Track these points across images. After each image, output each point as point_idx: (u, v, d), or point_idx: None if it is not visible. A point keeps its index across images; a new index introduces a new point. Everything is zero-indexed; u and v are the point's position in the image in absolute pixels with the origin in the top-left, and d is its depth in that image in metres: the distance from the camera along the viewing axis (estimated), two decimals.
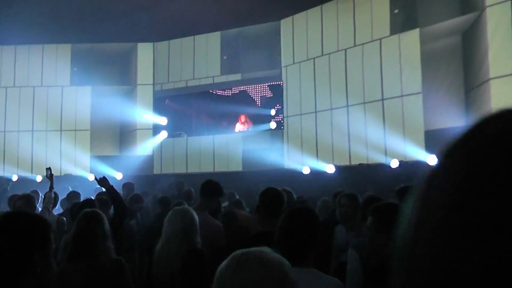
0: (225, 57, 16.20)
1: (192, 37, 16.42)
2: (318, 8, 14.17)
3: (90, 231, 3.47)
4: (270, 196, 3.92)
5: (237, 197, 8.27)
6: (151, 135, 16.73)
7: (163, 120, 16.77)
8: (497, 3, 10.49)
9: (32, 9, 13.32)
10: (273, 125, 15.68)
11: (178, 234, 3.74)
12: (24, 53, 16.71)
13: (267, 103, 16.33)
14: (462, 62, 12.12)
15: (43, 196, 6.49)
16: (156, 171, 16.41)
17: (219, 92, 16.98)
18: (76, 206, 5.48)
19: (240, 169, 14.96)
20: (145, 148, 16.67)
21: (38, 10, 13.35)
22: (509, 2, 10.23)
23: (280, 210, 3.74)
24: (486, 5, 10.71)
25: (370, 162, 12.47)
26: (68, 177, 15.12)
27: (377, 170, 11.76)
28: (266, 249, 1.49)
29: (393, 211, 2.78)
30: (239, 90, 16.77)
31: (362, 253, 3.64)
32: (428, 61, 12.13)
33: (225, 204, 8.53)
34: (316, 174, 12.99)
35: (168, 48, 16.96)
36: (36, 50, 16.70)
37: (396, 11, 12.84)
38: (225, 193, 6.33)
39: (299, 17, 14.73)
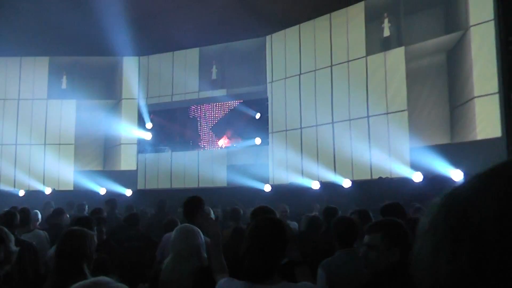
0: (212, 72, 16.16)
1: (177, 52, 16.40)
2: (309, 23, 14.21)
3: (73, 249, 3.34)
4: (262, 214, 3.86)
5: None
6: (135, 150, 16.60)
7: (147, 135, 16.68)
8: (481, 23, 10.59)
9: (17, 22, 13.27)
10: (258, 141, 15.61)
11: (189, 253, 3.68)
12: (13, 65, 16.63)
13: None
14: (447, 80, 12.18)
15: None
16: (140, 186, 16.26)
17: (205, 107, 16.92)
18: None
19: (225, 184, 14.87)
20: (129, 163, 16.53)
21: (21, 22, 13.29)
22: (493, 22, 10.34)
23: None
24: (470, 25, 10.81)
25: (355, 178, 12.46)
26: (52, 192, 14.98)
27: (362, 186, 11.76)
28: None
29: (401, 227, 2.75)
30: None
31: (329, 271, 3.70)
32: (414, 79, 12.18)
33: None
34: (301, 190, 12.95)
35: (153, 63, 16.91)
36: (25, 63, 16.60)
37: (384, 30, 12.93)
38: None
39: (287, 33, 14.77)
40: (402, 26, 12.48)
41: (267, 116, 15.18)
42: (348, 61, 13.26)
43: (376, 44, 13.03)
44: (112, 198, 9.16)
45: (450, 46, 12.04)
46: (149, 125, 16.72)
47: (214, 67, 16.18)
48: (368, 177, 12.24)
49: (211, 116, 16.77)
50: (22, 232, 5.89)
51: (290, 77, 14.55)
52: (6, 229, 3.55)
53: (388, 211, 4.64)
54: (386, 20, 12.91)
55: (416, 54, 12.25)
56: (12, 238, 3.54)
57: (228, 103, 16.46)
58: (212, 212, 7.86)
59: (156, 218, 8.04)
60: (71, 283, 3.27)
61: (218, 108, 16.79)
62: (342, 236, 3.94)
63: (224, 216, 8.68)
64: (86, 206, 9.16)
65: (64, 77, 16.87)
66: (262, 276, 2.50)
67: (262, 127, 15.60)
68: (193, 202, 4.86)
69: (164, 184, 15.78)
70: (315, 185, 12.57)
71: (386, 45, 12.85)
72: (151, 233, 6.82)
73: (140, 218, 7.26)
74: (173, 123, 17.19)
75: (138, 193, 15.04)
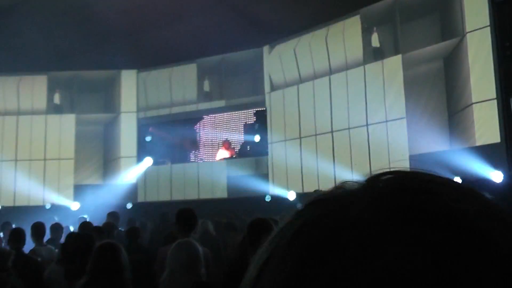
0: (208, 84, 16.16)
1: (175, 63, 16.37)
2: (306, 32, 14.23)
3: (107, 263, 3.30)
4: (258, 227, 3.80)
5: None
6: (135, 163, 16.57)
7: (147, 148, 16.68)
8: (477, 29, 10.63)
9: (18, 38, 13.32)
10: (257, 138, 15.66)
11: (185, 267, 3.67)
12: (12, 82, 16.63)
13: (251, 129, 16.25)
14: (445, 86, 12.21)
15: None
16: (140, 199, 16.22)
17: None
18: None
19: (225, 195, 14.84)
20: (129, 176, 16.49)
21: (20, 38, 13.33)
22: (489, 28, 10.38)
23: None
24: (467, 31, 10.85)
25: None
26: (52, 207, 14.94)
27: None
28: None
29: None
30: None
31: None
32: (411, 86, 12.20)
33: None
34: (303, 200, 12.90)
35: (152, 75, 16.91)
36: (24, 80, 16.60)
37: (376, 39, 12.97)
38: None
39: (284, 43, 14.80)
40: (398, 33, 12.52)
41: (266, 126, 15.17)
42: (346, 70, 13.28)
43: (373, 52, 13.07)
44: (114, 211, 9.16)
45: (447, 53, 12.08)
46: (148, 138, 16.75)
47: (206, 78, 16.14)
48: None
49: (210, 128, 16.77)
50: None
51: (289, 86, 14.56)
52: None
53: None
54: (375, 33, 12.95)
55: (413, 61, 12.28)
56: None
57: (228, 114, 16.47)
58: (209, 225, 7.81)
59: (158, 231, 8.01)
60: None
61: (217, 120, 16.80)
62: None
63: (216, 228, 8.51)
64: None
65: (57, 93, 16.72)
66: None
67: (261, 137, 15.60)
68: (187, 216, 4.79)
69: (164, 197, 15.74)
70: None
71: (382, 53, 12.89)
72: (153, 246, 6.79)
73: (141, 231, 7.24)
74: (172, 135, 17.15)
75: (139, 206, 15.02)
